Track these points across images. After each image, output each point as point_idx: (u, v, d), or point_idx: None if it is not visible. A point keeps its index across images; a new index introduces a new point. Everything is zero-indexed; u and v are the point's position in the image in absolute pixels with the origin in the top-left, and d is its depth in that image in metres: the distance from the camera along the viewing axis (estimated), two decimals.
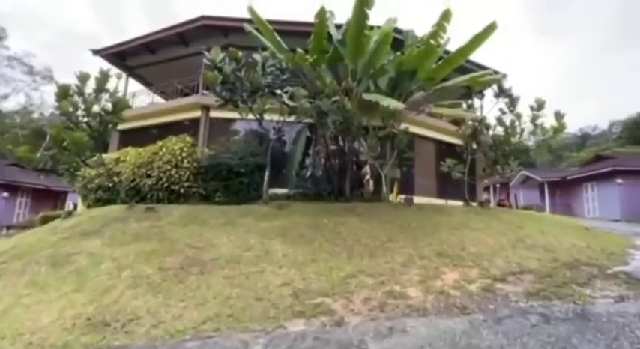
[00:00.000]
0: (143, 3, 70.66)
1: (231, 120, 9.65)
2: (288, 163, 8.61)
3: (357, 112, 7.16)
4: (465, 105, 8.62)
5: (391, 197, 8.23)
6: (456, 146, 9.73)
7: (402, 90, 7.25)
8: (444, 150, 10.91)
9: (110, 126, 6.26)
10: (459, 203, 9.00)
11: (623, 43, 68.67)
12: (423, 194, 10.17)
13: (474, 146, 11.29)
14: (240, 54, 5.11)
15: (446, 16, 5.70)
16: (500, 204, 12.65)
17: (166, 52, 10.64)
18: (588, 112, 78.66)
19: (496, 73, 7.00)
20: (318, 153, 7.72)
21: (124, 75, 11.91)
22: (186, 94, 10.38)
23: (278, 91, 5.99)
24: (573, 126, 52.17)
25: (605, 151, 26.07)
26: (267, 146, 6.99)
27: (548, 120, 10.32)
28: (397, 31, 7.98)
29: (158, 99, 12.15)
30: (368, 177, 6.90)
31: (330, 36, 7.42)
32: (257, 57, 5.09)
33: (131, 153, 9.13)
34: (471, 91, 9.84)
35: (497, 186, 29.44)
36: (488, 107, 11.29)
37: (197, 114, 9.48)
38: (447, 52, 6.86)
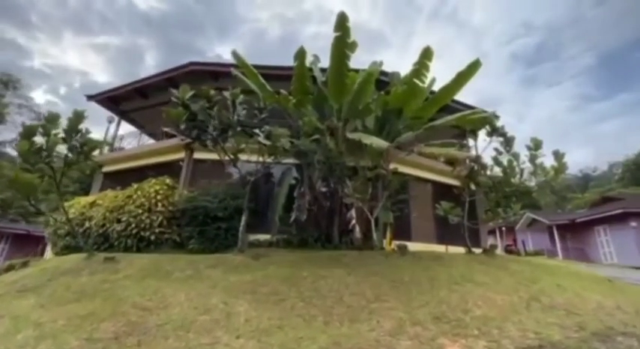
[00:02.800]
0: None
1: (217, 162, 9.30)
2: (271, 207, 7.99)
3: (342, 152, 6.76)
4: (458, 146, 8.25)
5: (385, 243, 7.41)
6: (453, 188, 9.16)
7: (390, 130, 6.94)
8: (442, 192, 10.32)
9: (76, 167, 5.82)
10: (461, 249, 8.13)
11: (602, 93, 72.36)
12: (420, 239, 9.33)
13: (473, 187, 10.74)
14: (212, 92, 4.90)
15: (427, 54, 5.60)
16: (507, 250, 11.61)
17: (158, 96, 10.77)
18: (585, 156, 79.93)
19: (484, 112, 6.72)
20: (303, 195, 7.13)
21: (116, 118, 12.06)
22: (174, 136, 10.22)
23: (257, 131, 5.68)
24: (573, 168, 52.37)
25: (610, 193, 25.32)
26: (247, 189, 6.44)
27: (548, 161, 9.94)
28: (383, 73, 8.00)
29: (148, 142, 12.03)
30: (354, 221, 6.22)
31: (314, 78, 7.40)
32: (226, 94, 4.87)
33: (109, 196, 8.61)
34: (464, 132, 9.61)
35: (503, 229, 28.11)
36: (483, 147, 10.99)
37: (181, 155, 9.16)
38: (432, 92, 6.70)
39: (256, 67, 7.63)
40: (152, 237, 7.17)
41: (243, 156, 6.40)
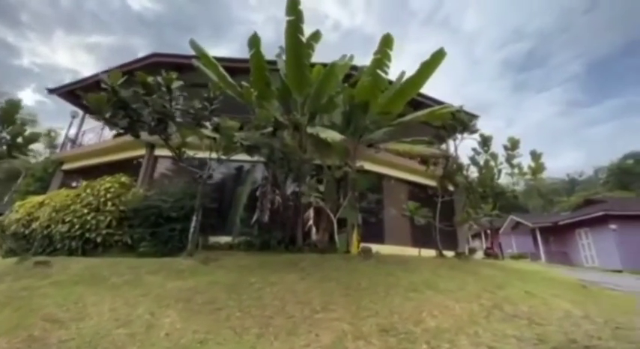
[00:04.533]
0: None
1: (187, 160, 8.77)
2: (233, 207, 7.49)
3: (306, 149, 6.32)
4: (435, 145, 7.90)
5: (352, 246, 6.97)
6: (428, 188, 8.81)
7: (356, 125, 6.53)
8: (418, 192, 9.97)
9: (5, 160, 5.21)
10: (434, 253, 7.77)
11: (590, 98, 74.08)
12: (394, 242, 8.94)
13: (451, 188, 10.42)
14: (150, 79, 4.41)
15: (387, 42, 5.24)
16: (487, 254, 11.34)
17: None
18: (572, 160, 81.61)
19: (452, 106, 6.37)
20: (265, 195, 6.67)
21: (80, 113, 11.40)
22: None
23: (206, 123, 5.20)
24: (560, 172, 53.22)
25: (593, 196, 25.50)
26: (200, 187, 5.94)
27: (530, 162, 9.69)
28: (354, 68, 7.63)
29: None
30: (310, 222, 5.77)
31: (279, 72, 6.98)
32: (159, 79, 4.38)
33: (60, 195, 7.98)
34: (441, 132, 9.30)
35: (488, 232, 28.03)
36: (461, 147, 10.68)
37: (141, 152, 8.60)
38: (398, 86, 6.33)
39: (218, 58, 7.17)
40: (99, 239, 6.59)
41: (195, 152, 5.89)
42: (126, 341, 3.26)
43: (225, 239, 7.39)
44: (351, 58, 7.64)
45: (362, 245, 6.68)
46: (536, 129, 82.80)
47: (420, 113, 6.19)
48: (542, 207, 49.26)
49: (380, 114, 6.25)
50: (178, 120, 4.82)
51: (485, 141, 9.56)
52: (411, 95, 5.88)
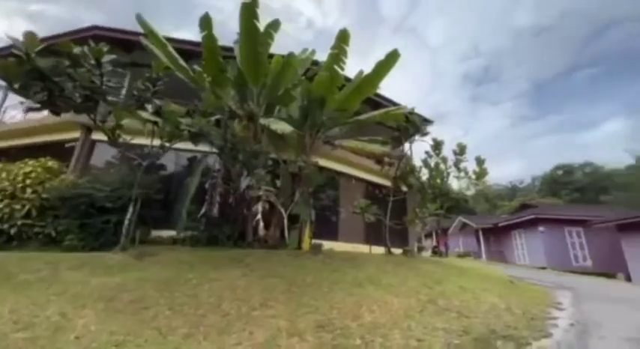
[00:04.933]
0: None
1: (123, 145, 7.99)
2: (179, 200, 7.01)
3: (259, 140, 6.10)
4: (389, 146, 8.11)
5: (304, 242, 6.90)
6: (382, 187, 9.05)
7: (314, 120, 6.44)
8: (373, 191, 10.20)
9: None
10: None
11: (536, 113, 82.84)
12: (347, 239, 9.06)
13: (404, 188, 10.84)
14: (77, 49, 3.87)
15: (343, 37, 5.24)
16: (434, 252, 12.07)
17: None
18: (516, 169, 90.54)
19: (406, 108, 6.59)
20: (215, 187, 6.31)
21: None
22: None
23: (148, 106, 4.75)
24: (505, 179, 58.60)
25: (529, 201, 28.46)
26: (139, 175, 5.44)
27: (475, 167, 10.40)
28: (315, 63, 7.53)
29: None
30: (258, 216, 5.60)
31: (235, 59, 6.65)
32: (86, 49, 3.88)
33: None
34: (396, 134, 9.60)
35: (439, 232, 30.02)
36: (415, 150, 11.18)
37: (75, 134, 7.68)
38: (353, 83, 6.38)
39: (170, 39, 6.65)
40: (12, 231, 5.74)
41: (132, 137, 5.35)
42: (24, 346, 2.83)
43: (169, 233, 6.90)
44: (313, 52, 7.55)
45: (313, 241, 6.64)
46: (488, 139, 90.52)
47: (375, 112, 6.30)
48: (488, 210, 53.87)
49: (337, 110, 6.24)
50: (111, 98, 4.32)
51: (437, 146, 10.10)
52: (367, 94, 5.95)
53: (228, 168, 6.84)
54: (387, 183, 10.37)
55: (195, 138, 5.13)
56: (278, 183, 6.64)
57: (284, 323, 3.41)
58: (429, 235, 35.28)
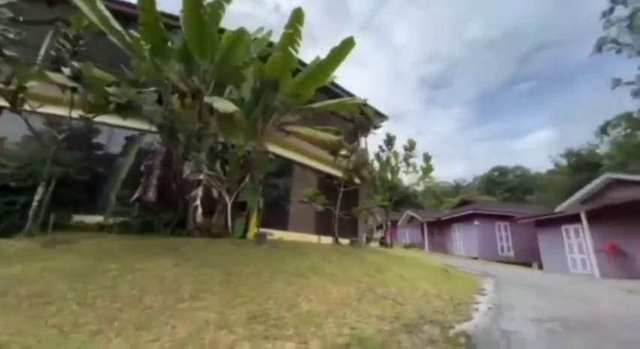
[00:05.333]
0: None
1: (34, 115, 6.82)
2: (109, 182, 6.25)
3: (204, 121, 5.63)
4: (343, 137, 8.10)
5: (250, 231, 6.63)
6: (334, 178, 9.08)
7: (266, 104, 6.12)
8: (327, 182, 10.19)
9: None
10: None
11: (481, 120, 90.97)
12: (298, 229, 8.98)
13: (357, 180, 11.03)
14: None
15: (298, 17, 5.00)
16: (381, 242, 12.65)
17: None
18: (461, 169, 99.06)
19: (360, 99, 6.61)
20: (151, 169, 5.70)
21: None
22: None
23: (65, 70, 4.01)
24: (451, 178, 63.66)
25: (468, 198, 31.31)
26: (52, 150, 4.65)
27: (422, 163, 10.96)
28: (270, 44, 7.15)
29: None
30: (197, 202, 5.22)
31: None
32: None
33: None
34: (350, 126, 9.65)
35: (389, 224, 31.72)
36: (367, 143, 11.39)
37: None
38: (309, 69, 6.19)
39: None
40: None
41: (41, 104, 4.54)
42: None
43: (95, 219, 6.13)
44: (269, 33, 7.16)
45: (259, 230, 6.41)
46: (439, 140, 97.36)
47: (329, 102, 6.20)
48: (435, 205, 58.22)
49: (290, 95, 6.00)
50: (9, 53, 3.53)
51: (390, 141, 10.43)
52: (322, 81, 5.80)
53: (169, 150, 6.25)
54: (341, 174, 10.46)
55: (123, 110, 4.51)
56: (226, 168, 6.23)
57: (213, 316, 3.18)
58: (379, 227, 37.14)
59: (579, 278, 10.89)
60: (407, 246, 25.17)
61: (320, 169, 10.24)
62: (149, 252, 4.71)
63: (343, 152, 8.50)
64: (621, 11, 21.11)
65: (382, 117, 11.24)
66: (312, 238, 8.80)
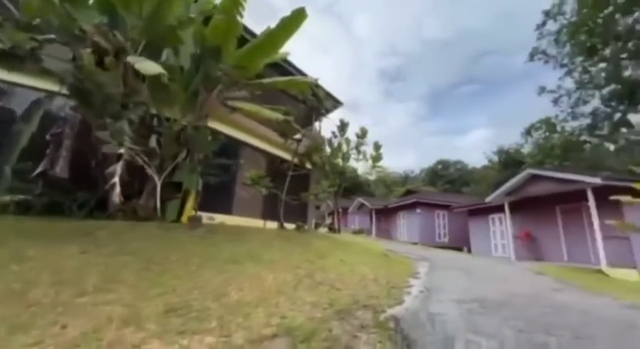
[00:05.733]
0: None
1: None
2: (2, 152, 5.13)
3: (130, 87, 4.84)
4: (289, 115, 7.74)
5: (186, 215, 6.05)
6: (284, 162, 8.75)
7: (208, 74, 5.48)
8: (277, 165, 9.82)
9: None
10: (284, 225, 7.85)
11: (430, 115, 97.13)
12: (243, 213, 8.55)
13: (308, 165, 10.84)
14: None
15: None
16: (330, 228, 12.83)
17: None
18: (411, 160, 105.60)
19: (312, 78, 6.33)
20: (60, 139, 4.77)
21: None
22: None
23: None
24: (401, 168, 67.45)
25: (415, 188, 33.50)
26: None
27: (372, 152, 11.13)
28: (215, 7, 6.38)
29: None
30: (115, 179, 4.54)
31: None
32: None
33: None
34: (306, 108, 9.32)
35: (340, 210, 32.70)
36: (320, 128, 11.22)
37: None
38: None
39: None
40: None
41: None
42: None
43: None
44: None
45: (196, 214, 5.89)
46: (393, 132, 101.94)
47: (279, 78, 5.79)
48: (385, 194, 61.40)
49: (236, 67, 5.45)
50: None
51: (343, 127, 10.37)
52: (270, 54, 5.35)
53: (85, 118, 5.30)
54: (288, 156, 10.16)
55: (6, 60, 3.57)
56: (153, 141, 5.52)
57: (121, 310, 2.74)
58: (331, 213, 38.08)
59: (499, 260, 12.32)
60: (356, 232, 26.16)
61: (270, 152, 9.81)
62: (51, 237, 3.96)
63: (298, 136, 8.19)
64: (551, 26, 23.69)
65: (337, 102, 11.10)
66: (259, 223, 8.47)
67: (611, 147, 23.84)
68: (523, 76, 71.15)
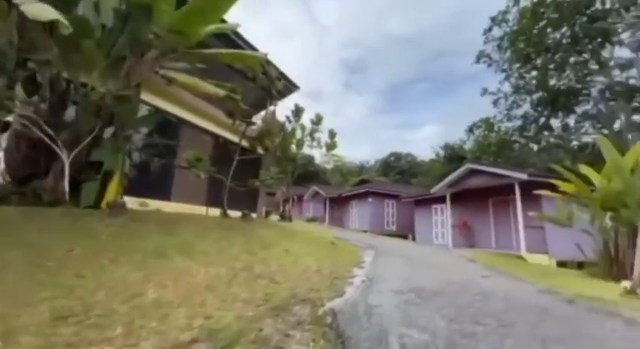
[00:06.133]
0: None
1: None
2: None
3: (28, 39, 3.88)
4: (236, 92, 7.10)
5: (107, 199, 5.22)
6: (230, 144, 8.12)
7: (135, 36, 4.65)
8: (225, 148, 9.12)
9: None
10: (231, 213, 7.31)
11: (388, 109, 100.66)
12: (184, 200, 7.81)
13: (260, 150, 10.30)
14: None
15: None
16: (282, 216, 12.55)
17: None
18: (367, 151, 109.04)
19: (261, 53, 5.81)
20: None
21: None
22: None
23: None
24: (358, 158, 69.36)
25: (368, 178, 34.66)
26: None
27: (327, 140, 10.96)
28: None
29: None
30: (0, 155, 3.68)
31: None
32: None
33: None
34: (251, 84, 8.67)
35: (295, 198, 32.59)
36: (275, 113, 10.69)
37: None
38: None
39: None
40: None
41: None
42: None
43: None
44: None
45: (120, 199, 5.11)
46: (352, 124, 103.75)
47: (224, 50, 5.17)
48: (341, 183, 62.68)
49: (172, 32, 4.70)
50: None
51: (298, 112, 9.98)
52: (212, 21, 4.70)
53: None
54: (243, 142, 9.53)
55: None
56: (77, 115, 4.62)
57: None
58: (286, 200, 37.77)
59: (439, 248, 13.28)
60: (309, 220, 26.30)
61: (217, 133, 9.06)
62: None
63: (251, 119, 7.59)
64: (497, 32, 25.64)
65: (293, 85, 10.62)
66: (200, 210, 7.81)
67: (535, 147, 27.09)
68: (473, 77, 77.13)
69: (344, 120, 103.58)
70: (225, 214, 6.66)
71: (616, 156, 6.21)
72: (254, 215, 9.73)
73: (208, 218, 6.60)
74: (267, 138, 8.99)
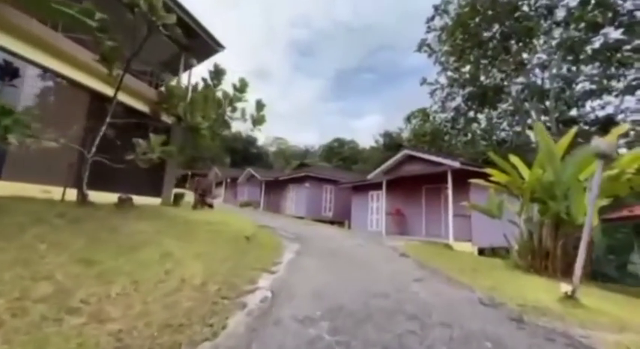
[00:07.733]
0: None
1: None
2: None
3: None
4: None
5: None
6: (104, 101, 5.86)
7: None
8: (102, 109, 6.75)
9: None
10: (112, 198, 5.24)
11: (334, 96, 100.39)
12: (26, 178, 5.47)
13: (166, 118, 8.19)
14: None
15: None
16: (201, 201, 10.54)
17: None
18: (313, 136, 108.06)
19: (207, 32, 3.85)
20: None
21: None
22: None
23: None
24: (304, 143, 68.01)
25: (308, 162, 33.69)
26: None
27: (254, 112, 9.22)
28: None
29: None
30: None
31: None
32: None
33: None
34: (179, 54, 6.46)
35: (229, 180, 30.00)
36: (190, 76, 8.63)
37: None
38: None
39: None
40: None
41: None
42: None
43: None
44: None
45: None
46: (299, 108, 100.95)
47: None
48: (284, 167, 60.78)
49: None
50: None
51: (218, 75, 8.02)
52: None
53: None
54: (142, 106, 7.28)
55: None
56: None
57: None
58: (220, 183, 34.65)
59: (372, 236, 12.88)
60: (243, 205, 24.32)
61: (92, 87, 6.62)
62: None
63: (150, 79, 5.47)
64: (438, 22, 26.21)
65: (215, 44, 8.57)
66: (56, 193, 5.53)
67: (463, 138, 29.21)
68: (415, 70, 80.00)
69: (291, 103, 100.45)
70: (83, 199, 4.64)
71: (549, 143, 5.97)
72: (149, 200, 7.65)
73: (55, 204, 4.51)
74: (170, 102, 6.92)
